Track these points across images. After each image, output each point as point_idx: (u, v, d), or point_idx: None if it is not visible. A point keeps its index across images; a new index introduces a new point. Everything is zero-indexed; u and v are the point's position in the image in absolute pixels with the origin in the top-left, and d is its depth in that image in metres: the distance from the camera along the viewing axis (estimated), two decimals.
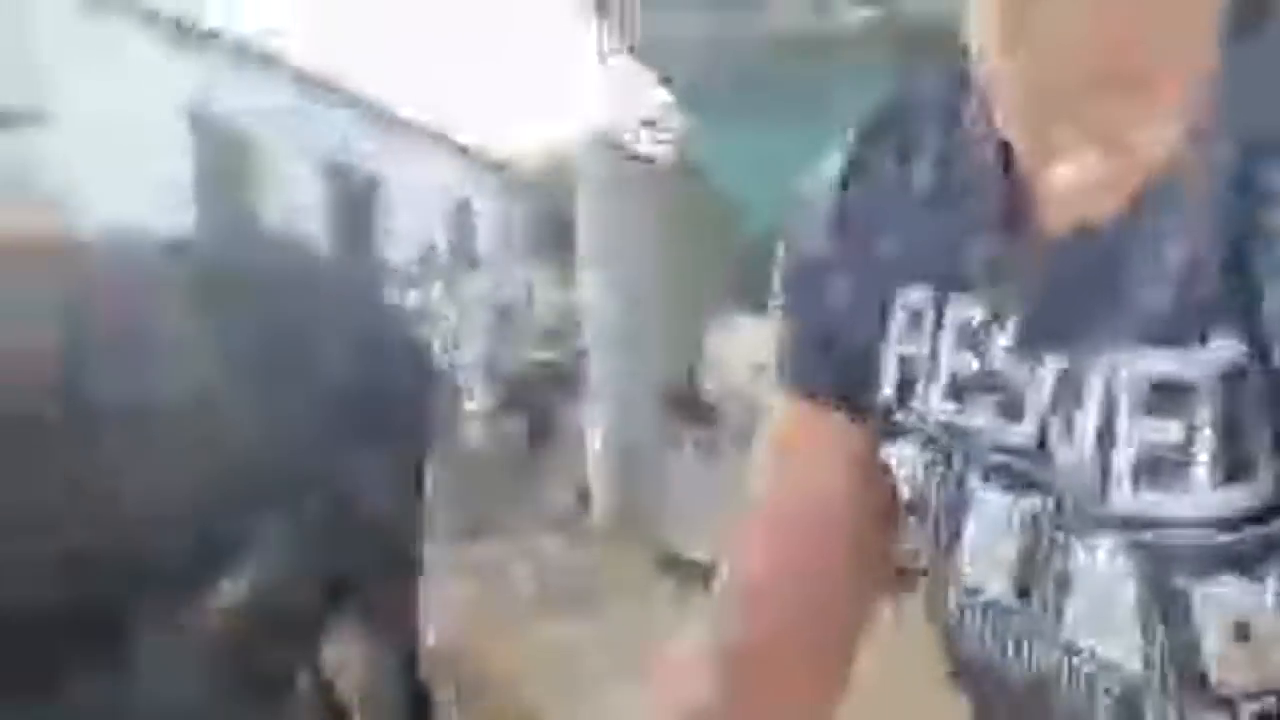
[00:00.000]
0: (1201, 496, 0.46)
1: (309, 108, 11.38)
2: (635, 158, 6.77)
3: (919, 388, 0.58)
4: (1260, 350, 0.45)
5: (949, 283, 0.56)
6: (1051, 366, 0.51)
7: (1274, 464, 0.44)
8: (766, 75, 5.98)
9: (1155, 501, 0.47)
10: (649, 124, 7.14)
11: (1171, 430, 0.47)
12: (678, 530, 4.56)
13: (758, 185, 7.04)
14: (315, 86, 11.59)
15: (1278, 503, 0.45)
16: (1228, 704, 0.46)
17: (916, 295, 0.58)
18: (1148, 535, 0.47)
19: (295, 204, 10.82)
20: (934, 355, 0.57)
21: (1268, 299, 0.44)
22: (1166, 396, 0.47)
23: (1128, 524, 0.48)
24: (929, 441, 0.57)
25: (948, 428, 0.56)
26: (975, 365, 0.55)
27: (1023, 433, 0.53)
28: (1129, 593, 0.49)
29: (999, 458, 0.54)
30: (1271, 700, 0.46)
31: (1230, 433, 0.45)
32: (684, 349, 5.56)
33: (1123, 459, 0.48)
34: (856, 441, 0.64)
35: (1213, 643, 0.46)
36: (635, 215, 5.64)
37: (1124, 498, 0.48)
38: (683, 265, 6.06)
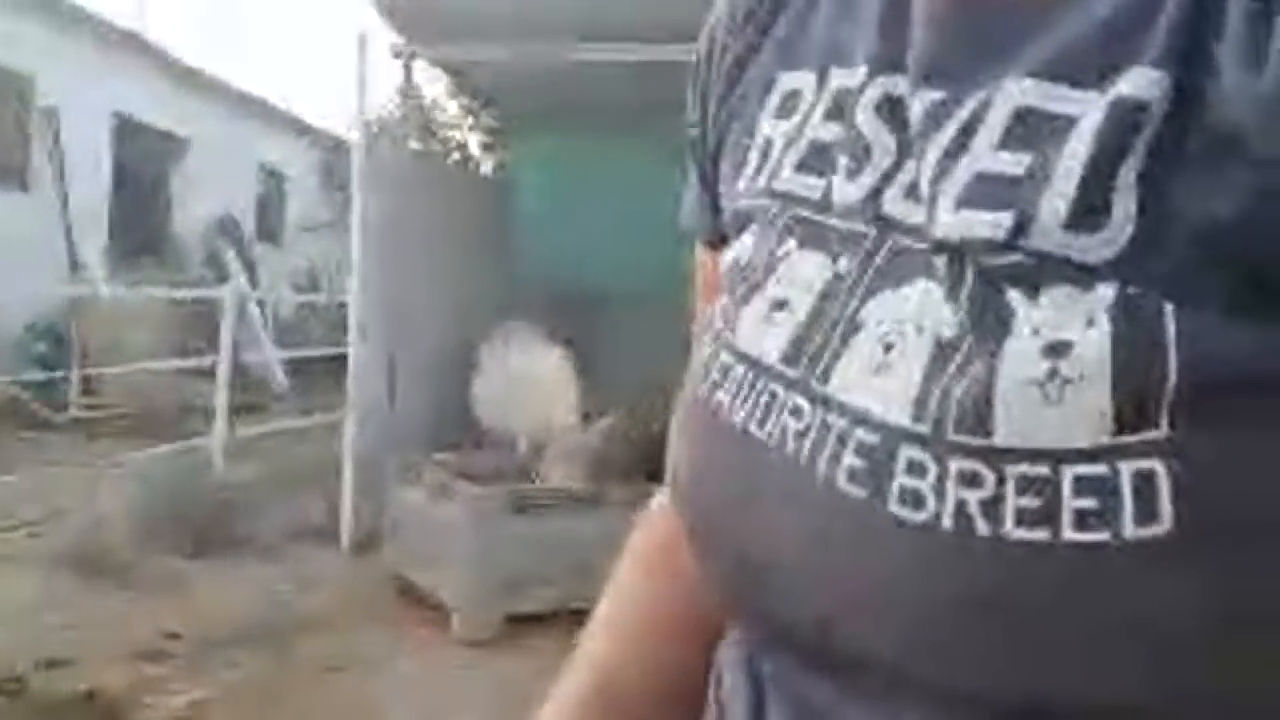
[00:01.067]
0: (1047, 234, 0.41)
1: (106, 59, 10.72)
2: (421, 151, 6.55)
3: (768, 165, 0.54)
4: (1186, 87, 0.40)
5: (832, 58, 0.53)
6: (919, 105, 0.47)
7: (1132, 218, 0.39)
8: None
9: (990, 221, 0.42)
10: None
11: (1024, 162, 0.42)
12: (405, 559, 4.42)
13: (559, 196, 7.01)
14: (117, 40, 10.93)
15: (1119, 263, 0.39)
16: (997, 460, 0.40)
17: (800, 76, 0.55)
18: (978, 259, 0.42)
19: (74, 158, 10.18)
20: (803, 125, 0.53)
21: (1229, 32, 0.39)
22: (1033, 129, 0.43)
23: (954, 249, 0.43)
24: (760, 216, 0.54)
25: (786, 197, 0.52)
26: (837, 129, 0.51)
27: (861, 185, 0.48)
28: (926, 333, 0.43)
29: (825, 219, 0.50)
30: (1044, 468, 0.39)
31: (1096, 173, 0.40)
32: (458, 366, 5.37)
33: (961, 179, 0.44)
34: None
35: (1016, 371, 0.40)
36: (410, 215, 5.44)
37: (951, 220, 0.43)
38: (462, 274, 5.89)
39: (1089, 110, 0.41)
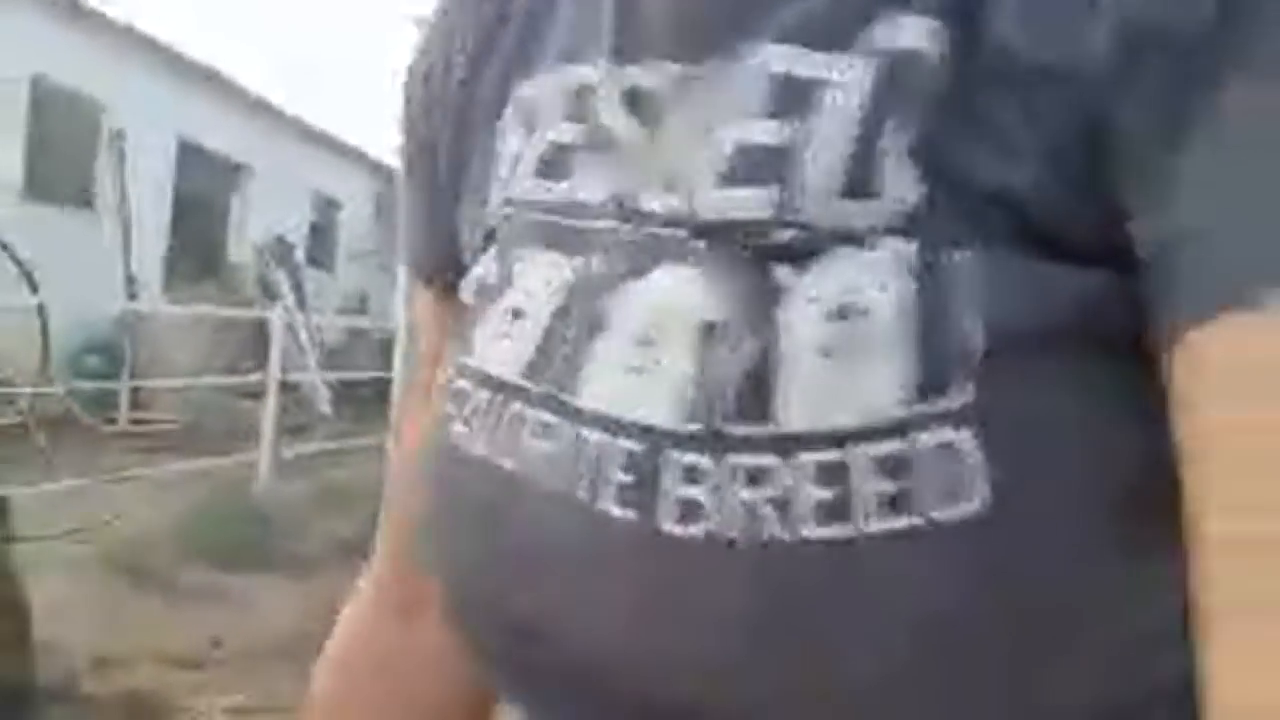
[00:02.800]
0: (820, 204, 0.37)
1: (170, 84, 11.03)
2: None
3: (503, 178, 0.48)
4: (962, 33, 0.36)
5: (568, 57, 0.47)
6: (664, 83, 0.42)
7: (914, 177, 0.36)
8: None
9: (756, 197, 0.38)
10: None
11: (784, 131, 0.38)
12: None
13: None
14: (182, 65, 11.24)
15: (902, 226, 0.36)
16: (783, 448, 0.35)
17: (535, 82, 0.48)
18: (746, 238, 0.38)
19: (139, 180, 10.45)
20: (538, 129, 0.47)
21: None
22: (790, 96, 0.38)
23: (719, 230, 0.39)
24: (506, 231, 0.47)
25: (525, 204, 0.46)
26: (578, 128, 0.45)
27: (609, 179, 0.43)
28: (687, 321, 0.38)
29: (569, 221, 0.44)
30: (835, 452, 0.34)
31: (865, 136, 0.36)
32: None
33: (719, 152, 0.39)
34: None
35: (796, 342, 0.35)
36: None
37: (715, 197, 0.39)
38: None
39: (848, 72, 0.38)
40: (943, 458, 0.34)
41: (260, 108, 12.87)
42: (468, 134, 0.51)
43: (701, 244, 0.39)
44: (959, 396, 0.34)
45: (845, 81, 0.37)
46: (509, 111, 0.49)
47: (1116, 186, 0.34)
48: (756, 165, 0.38)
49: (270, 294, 11.42)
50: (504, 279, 0.45)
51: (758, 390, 0.36)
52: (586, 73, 0.46)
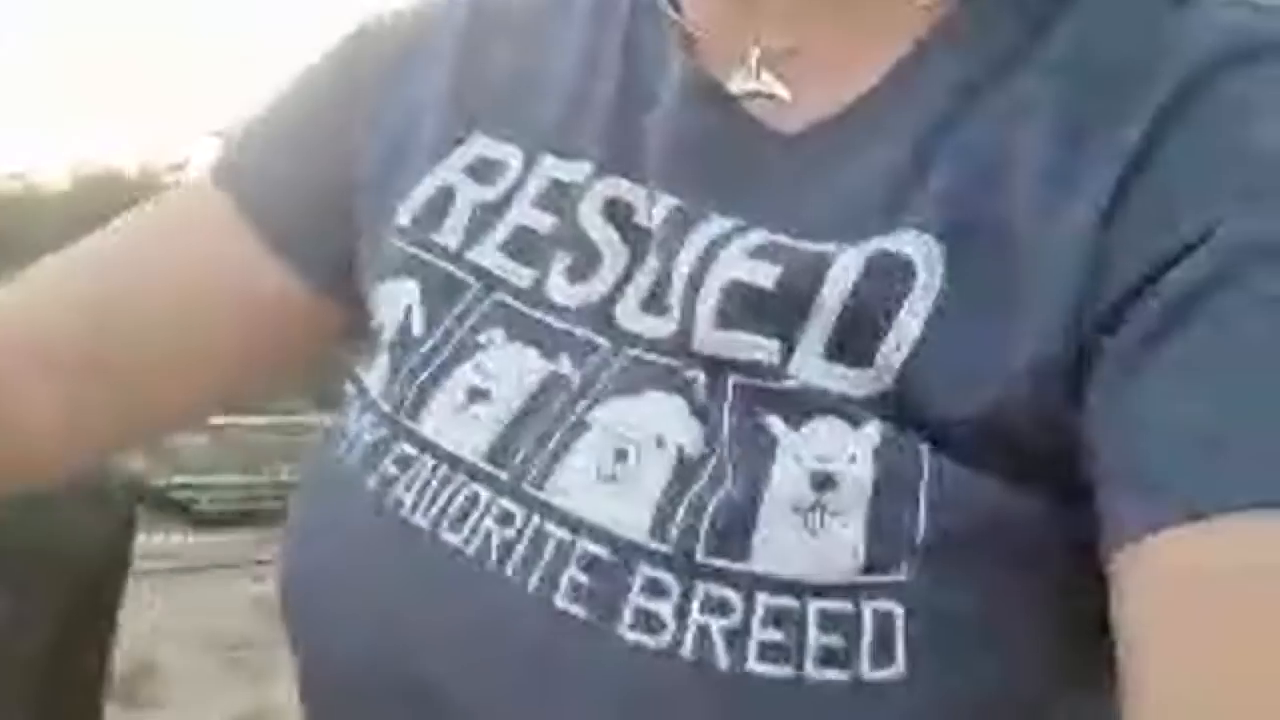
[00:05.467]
0: (810, 364, 0.40)
1: None
2: None
3: (455, 226, 0.49)
4: (955, 252, 0.40)
5: (544, 143, 0.49)
6: (660, 211, 0.45)
7: (897, 361, 0.39)
8: None
9: (758, 345, 0.41)
10: None
11: (779, 277, 0.41)
12: None
13: None
14: None
15: (882, 403, 0.39)
16: (749, 586, 0.38)
17: (503, 149, 0.50)
18: (741, 380, 0.41)
19: None
20: (505, 204, 0.48)
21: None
22: (788, 256, 0.42)
23: (715, 367, 0.42)
24: (446, 283, 0.48)
25: (489, 278, 0.47)
26: (552, 222, 0.47)
27: (591, 290, 0.45)
28: (667, 446, 0.41)
29: (540, 315, 0.46)
30: (792, 600, 0.38)
31: (857, 312, 0.40)
32: None
33: (715, 288, 0.42)
34: (282, 295, 0.54)
35: (782, 497, 0.39)
36: None
37: (716, 337, 0.42)
38: None
39: (841, 256, 0.41)
40: (879, 623, 0.37)
41: None
42: (389, 130, 0.52)
43: (695, 375, 0.42)
44: (898, 574, 0.38)
45: (842, 259, 0.41)
46: (458, 155, 0.50)
47: (1082, 403, 0.38)
48: (754, 308, 0.41)
49: None
50: (458, 350, 0.46)
51: (738, 529, 0.39)
52: (566, 170, 0.47)
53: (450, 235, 0.48)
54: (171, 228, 0.57)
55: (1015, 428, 0.38)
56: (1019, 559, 0.38)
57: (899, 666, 0.37)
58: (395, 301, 0.49)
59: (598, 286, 0.45)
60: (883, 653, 0.37)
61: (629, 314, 0.44)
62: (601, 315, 0.44)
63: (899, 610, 0.37)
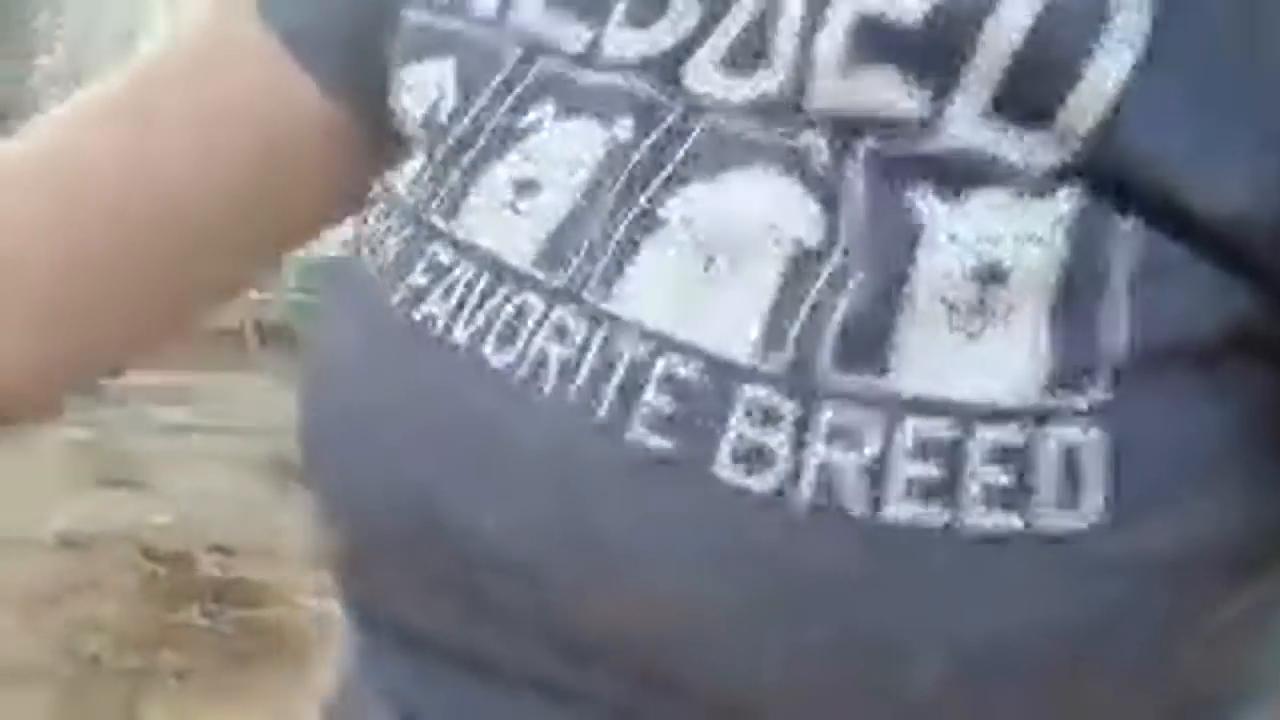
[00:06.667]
0: (976, 119, 0.31)
1: None
2: None
3: None
4: None
5: None
6: None
7: (1100, 112, 0.30)
8: None
9: (900, 88, 0.32)
10: None
11: (930, 6, 0.32)
12: None
13: None
14: None
15: (1072, 170, 0.30)
16: (891, 410, 0.30)
17: None
18: (866, 141, 0.32)
19: None
20: None
21: None
22: None
23: (842, 126, 0.33)
24: (483, 54, 0.40)
25: (534, 43, 0.39)
26: None
27: (655, 39, 0.37)
28: (777, 239, 0.32)
29: (594, 76, 0.38)
30: (951, 428, 0.30)
31: (1040, 47, 0.31)
32: None
33: (842, 25, 0.33)
34: (316, 120, 0.47)
35: (932, 292, 0.31)
36: None
37: (840, 86, 0.33)
38: None
39: None
40: (1064, 458, 0.30)
41: None
42: None
43: (808, 144, 0.33)
44: (1091, 394, 0.30)
45: None
46: None
47: None
48: (894, 48, 0.32)
49: None
50: (503, 136, 0.38)
51: (874, 336, 0.31)
52: None
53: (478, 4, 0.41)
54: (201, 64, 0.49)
55: (1259, 218, 0.30)
56: (1250, 388, 0.31)
57: (1088, 512, 0.30)
58: (423, 84, 0.42)
59: (665, 37, 0.37)
60: (1067, 495, 0.30)
61: (702, 74, 0.36)
62: (669, 72, 0.36)
63: (1091, 441, 0.30)
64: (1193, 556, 0.32)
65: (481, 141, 0.39)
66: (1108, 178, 0.30)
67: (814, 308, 0.32)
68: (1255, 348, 0.31)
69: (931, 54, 0.32)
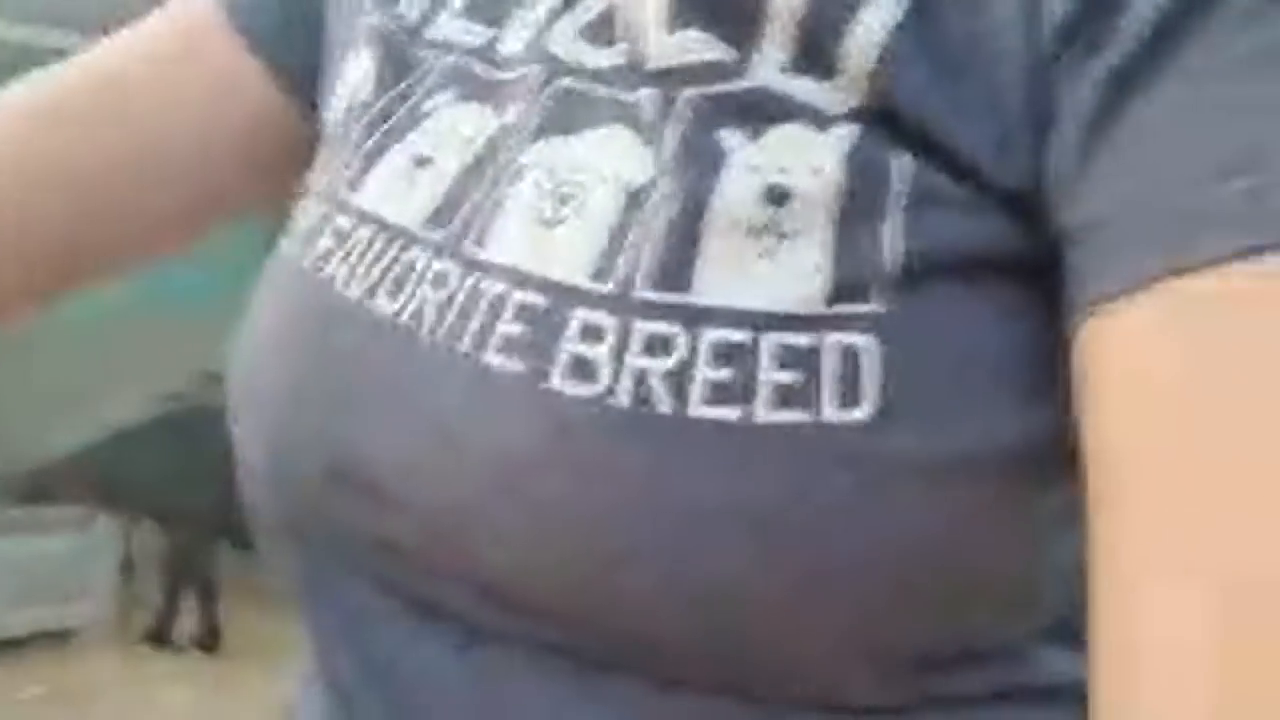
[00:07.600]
0: (773, 69, 0.35)
1: None
2: None
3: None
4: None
5: None
6: None
7: (869, 67, 0.34)
8: None
9: (711, 42, 0.36)
10: None
11: None
12: None
13: None
14: None
15: (857, 107, 0.34)
16: (693, 321, 0.34)
17: None
18: (694, 89, 0.36)
19: None
20: None
21: None
22: None
23: (667, 77, 0.37)
24: (403, 54, 0.45)
25: (444, 45, 0.44)
26: None
27: (529, 25, 0.42)
28: (614, 181, 0.36)
29: (490, 72, 0.42)
30: (744, 333, 0.33)
31: (820, 17, 0.35)
32: None
33: (662, 1, 0.37)
34: (260, 101, 0.53)
35: (729, 213, 0.34)
36: None
37: (667, 42, 0.37)
38: None
39: None
40: (844, 359, 0.33)
41: None
42: None
43: (646, 95, 0.37)
44: (866, 304, 0.33)
45: None
46: None
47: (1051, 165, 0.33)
48: (712, 11, 0.37)
49: None
50: (407, 120, 0.42)
51: (677, 256, 0.34)
52: None
53: (413, 8, 0.45)
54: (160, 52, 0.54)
55: (1015, 141, 0.33)
56: (1007, 300, 0.34)
57: (866, 408, 0.33)
58: (351, 74, 0.46)
59: (535, 18, 0.41)
60: (848, 392, 0.33)
61: (564, 42, 0.40)
62: (537, 48, 0.40)
63: (868, 344, 0.33)
64: (966, 460, 0.33)
65: (389, 124, 0.43)
66: (884, 119, 0.34)
67: (637, 236, 0.34)
68: (1008, 266, 0.34)
69: (736, 17, 0.36)
